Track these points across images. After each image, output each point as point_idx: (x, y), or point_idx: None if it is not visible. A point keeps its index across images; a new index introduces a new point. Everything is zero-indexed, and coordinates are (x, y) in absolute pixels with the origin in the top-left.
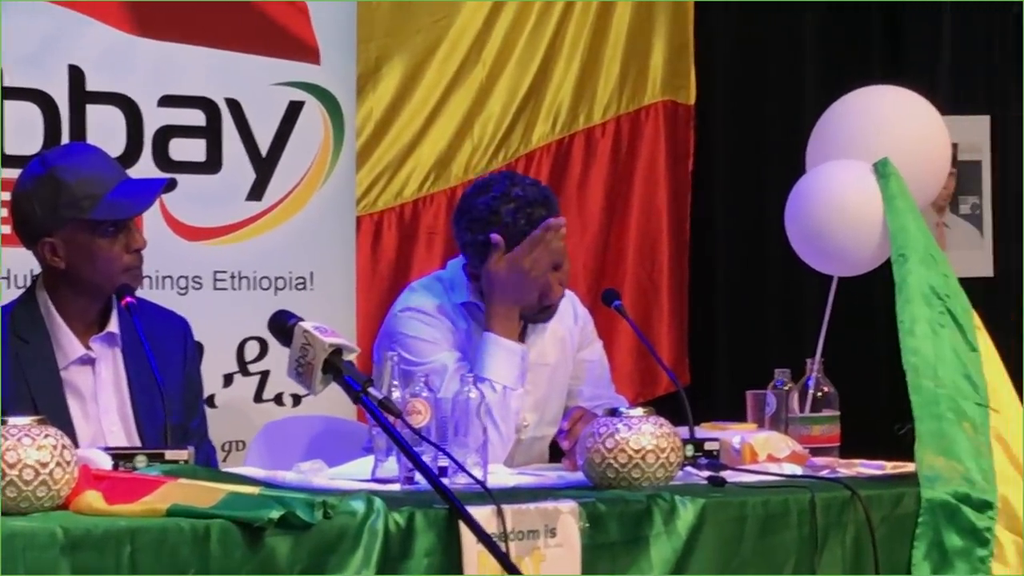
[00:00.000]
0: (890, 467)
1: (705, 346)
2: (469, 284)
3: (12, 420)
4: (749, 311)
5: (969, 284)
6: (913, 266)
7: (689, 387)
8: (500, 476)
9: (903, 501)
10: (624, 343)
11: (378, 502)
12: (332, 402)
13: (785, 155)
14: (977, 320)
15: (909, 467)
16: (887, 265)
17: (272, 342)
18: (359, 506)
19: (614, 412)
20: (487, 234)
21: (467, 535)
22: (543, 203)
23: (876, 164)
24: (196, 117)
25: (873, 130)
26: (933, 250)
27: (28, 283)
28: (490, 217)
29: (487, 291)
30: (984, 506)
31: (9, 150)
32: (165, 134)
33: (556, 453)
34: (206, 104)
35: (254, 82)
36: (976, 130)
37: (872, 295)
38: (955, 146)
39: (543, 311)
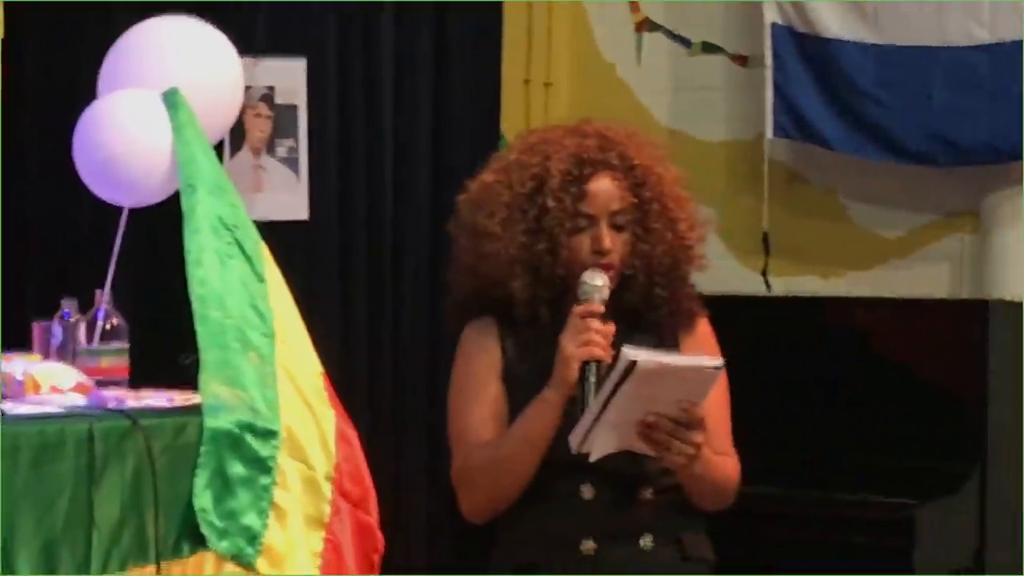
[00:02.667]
0: (179, 399)
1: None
2: None
3: None
4: (51, 245)
5: (286, 227)
6: (202, 196)
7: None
8: None
9: (186, 430)
10: None
11: None
12: None
13: None
14: (266, 252)
15: (197, 398)
16: (177, 196)
17: None
18: None
19: None
20: None
21: None
22: None
23: (165, 94)
24: None
25: (162, 60)
26: (222, 180)
27: None
28: None
29: None
30: (268, 435)
31: None
32: None
33: None
34: None
35: None
36: (293, 74)
37: (162, 226)
38: (272, 89)
39: None
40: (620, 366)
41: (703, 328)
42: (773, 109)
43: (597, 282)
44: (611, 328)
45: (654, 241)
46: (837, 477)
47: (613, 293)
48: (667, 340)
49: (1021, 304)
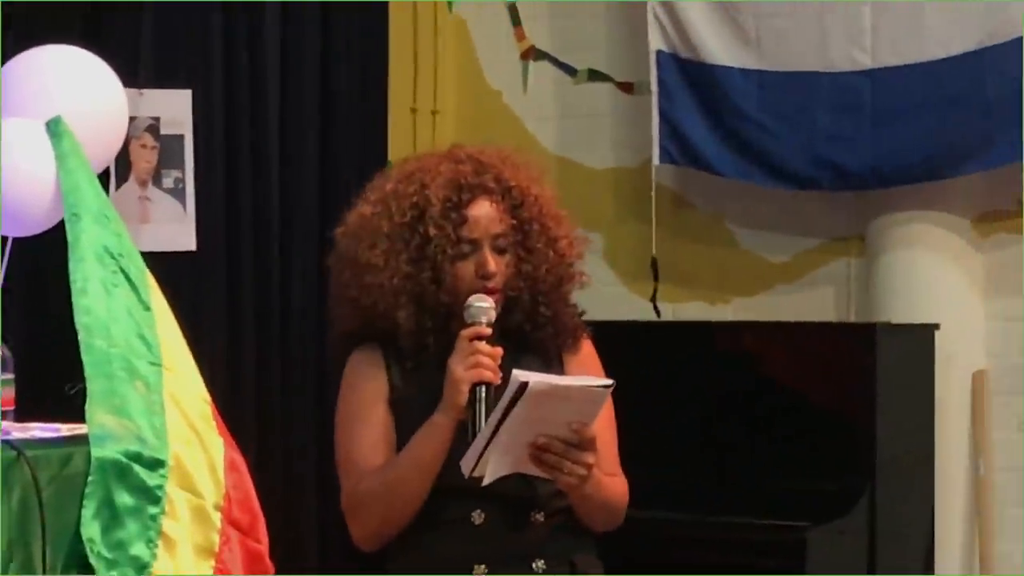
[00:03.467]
0: (66, 429)
1: None
2: None
3: None
4: None
5: (174, 258)
6: (87, 225)
7: None
8: None
9: (73, 460)
10: None
11: None
12: None
13: None
14: (151, 279)
15: (84, 428)
16: (62, 225)
17: None
18: None
19: None
20: None
21: None
22: None
23: (48, 123)
24: None
25: (46, 89)
26: (107, 209)
27: None
28: None
29: None
30: (156, 464)
31: None
32: None
33: None
34: None
35: None
36: (178, 104)
37: (46, 255)
38: (158, 120)
39: None
40: (511, 388)
41: (587, 348)
42: (659, 135)
43: (484, 304)
44: (499, 351)
45: (537, 261)
46: (728, 500)
47: (498, 315)
48: (553, 361)
49: (908, 327)
